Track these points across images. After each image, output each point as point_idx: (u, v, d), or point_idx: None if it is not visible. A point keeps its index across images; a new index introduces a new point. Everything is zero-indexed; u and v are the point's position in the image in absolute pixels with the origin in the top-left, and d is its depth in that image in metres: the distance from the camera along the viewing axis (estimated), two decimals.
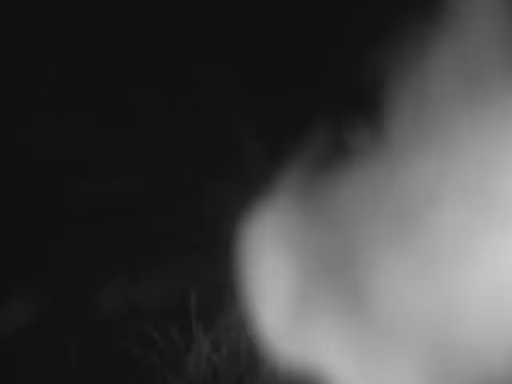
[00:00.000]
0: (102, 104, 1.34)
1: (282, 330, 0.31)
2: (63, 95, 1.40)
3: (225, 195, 1.03)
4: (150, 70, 1.32)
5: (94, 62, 1.43)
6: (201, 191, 1.08)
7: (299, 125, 0.33)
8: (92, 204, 1.19)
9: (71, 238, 1.20)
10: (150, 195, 1.16)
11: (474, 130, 0.26)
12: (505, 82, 0.26)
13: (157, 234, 1.23)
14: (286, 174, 0.30)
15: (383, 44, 0.29)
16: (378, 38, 0.30)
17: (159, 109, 1.15)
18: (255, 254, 0.32)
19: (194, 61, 1.11)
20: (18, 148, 1.31)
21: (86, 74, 1.41)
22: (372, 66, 0.29)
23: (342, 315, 0.27)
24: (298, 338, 0.31)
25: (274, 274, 0.31)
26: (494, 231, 0.25)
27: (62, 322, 1.08)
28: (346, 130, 0.28)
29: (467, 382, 0.26)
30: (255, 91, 1.02)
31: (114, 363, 1.04)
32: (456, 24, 0.27)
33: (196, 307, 1.04)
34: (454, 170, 0.26)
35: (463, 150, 0.26)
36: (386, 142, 0.27)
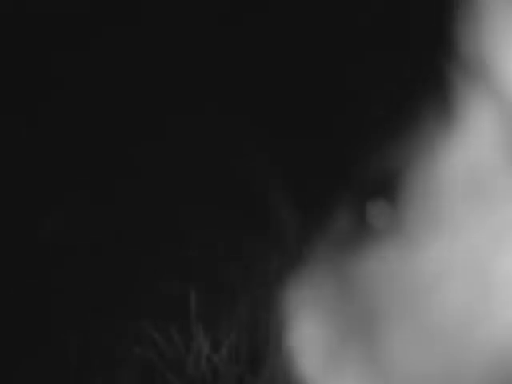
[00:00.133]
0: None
1: (316, 377, 0.36)
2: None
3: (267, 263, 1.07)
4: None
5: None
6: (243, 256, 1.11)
7: (328, 202, 0.37)
8: None
9: None
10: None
11: (478, 218, 0.30)
12: (504, 178, 0.30)
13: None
14: (319, 247, 0.36)
15: (401, 142, 0.34)
16: (398, 136, 0.34)
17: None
18: (294, 314, 0.37)
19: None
20: None
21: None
22: (391, 158, 0.34)
23: (365, 368, 0.33)
24: (330, 379, 0.36)
25: (310, 332, 0.36)
26: (496, 307, 0.30)
27: (62, 322, 1.08)
28: (368, 211, 0.33)
29: None
30: (291, 171, 1.05)
31: (114, 363, 1.04)
32: (462, 127, 0.32)
33: (196, 307, 1.04)
34: (460, 252, 0.30)
35: (468, 235, 0.30)
36: (402, 223, 0.32)
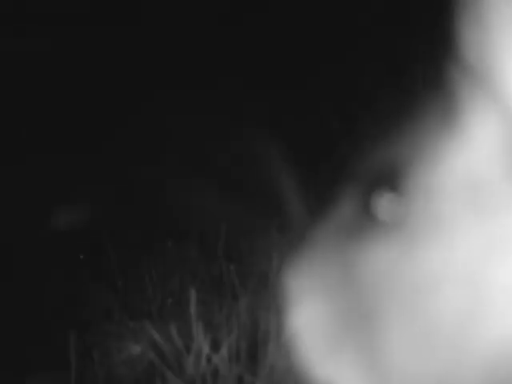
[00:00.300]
0: None
1: (316, 359, 0.37)
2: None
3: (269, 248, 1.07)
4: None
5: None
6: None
7: (332, 191, 0.38)
8: None
9: None
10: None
11: (479, 221, 0.30)
12: (505, 183, 0.30)
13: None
14: (321, 238, 0.36)
15: (406, 137, 0.35)
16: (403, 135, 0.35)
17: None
18: (294, 305, 0.37)
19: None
20: None
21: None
22: (395, 155, 0.34)
23: (363, 352, 0.33)
24: (328, 367, 0.36)
25: (310, 314, 0.36)
26: (496, 308, 0.30)
27: (61, 322, 1.08)
28: (372, 203, 0.33)
29: None
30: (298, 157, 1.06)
31: (114, 363, 1.04)
32: (464, 130, 0.32)
33: (196, 307, 1.04)
34: (461, 253, 0.31)
35: (466, 239, 0.30)
36: (405, 218, 0.32)
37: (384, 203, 0.34)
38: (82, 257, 1.21)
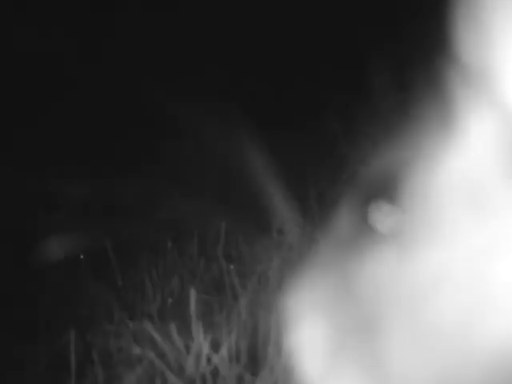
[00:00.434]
0: None
1: (317, 375, 0.37)
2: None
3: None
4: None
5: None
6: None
7: (330, 205, 0.38)
8: None
9: None
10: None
11: (478, 222, 0.30)
12: (504, 184, 0.31)
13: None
14: (320, 250, 0.36)
15: (403, 143, 0.35)
16: (400, 140, 0.35)
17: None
18: (295, 315, 0.38)
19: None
20: None
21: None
22: (393, 160, 0.34)
23: (363, 368, 0.33)
24: (329, 380, 0.37)
25: (310, 333, 0.37)
26: (494, 315, 0.30)
27: (61, 322, 1.08)
28: (370, 214, 0.34)
29: None
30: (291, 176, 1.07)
31: (114, 363, 1.04)
32: (462, 131, 0.32)
33: (196, 307, 1.04)
34: (460, 255, 0.31)
35: (466, 241, 0.30)
36: (403, 226, 0.32)
37: (382, 210, 0.34)
38: (82, 257, 1.21)
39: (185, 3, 1.60)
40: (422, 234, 0.32)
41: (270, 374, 0.98)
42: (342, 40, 1.52)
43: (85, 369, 1.02)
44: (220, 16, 1.61)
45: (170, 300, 1.16)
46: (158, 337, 1.03)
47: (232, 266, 1.15)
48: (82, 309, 1.14)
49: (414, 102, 0.35)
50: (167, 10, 1.60)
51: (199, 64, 1.51)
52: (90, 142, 1.39)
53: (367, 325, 0.33)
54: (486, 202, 0.31)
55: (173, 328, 1.02)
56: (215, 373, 0.99)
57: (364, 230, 0.34)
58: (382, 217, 0.33)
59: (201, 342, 1.00)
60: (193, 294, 1.04)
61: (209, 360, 1.00)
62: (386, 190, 0.33)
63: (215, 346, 1.01)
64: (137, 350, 1.03)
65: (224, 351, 1.00)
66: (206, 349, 1.00)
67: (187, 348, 1.01)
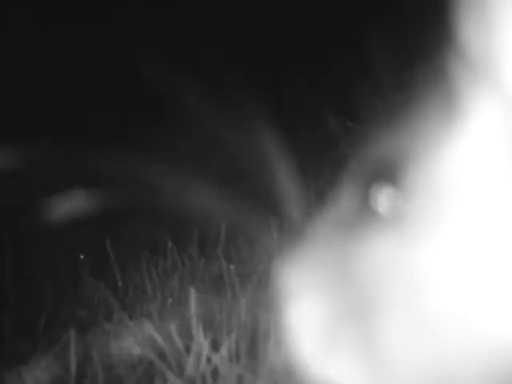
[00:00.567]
0: None
1: (314, 355, 0.37)
2: None
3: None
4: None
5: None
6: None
7: (330, 188, 0.38)
8: None
9: None
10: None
11: (479, 210, 0.31)
12: (505, 177, 0.31)
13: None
14: (318, 230, 0.36)
15: (406, 131, 0.35)
16: (402, 126, 0.35)
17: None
18: (292, 292, 0.37)
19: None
20: None
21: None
22: (395, 145, 0.34)
23: (362, 349, 0.35)
24: (326, 363, 0.36)
25: (309, 312, 0.36)
26: (494, 310, 0.30)
27: (61, 322, 1.08)
28: (371, 196, 0.34)
29: None
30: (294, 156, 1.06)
31: (114, 363, 1.04)
32: (465, 122, 0.32)
33: (196, 307, 1.04)
34: (460, 244, 0.31)
35: (468, 227, 0.31)
36: (404, 211, 0.32)
37: (383, 197, 0.34)
38: (82, 257, 1.21)
39: None
40: (423, 219, 0.32)
41: (269, 373, 0.98)
42: (345, 33, 1.52)
43: (85, 369, 1.02)
44: (221, 12, 1.61)
45: (169, 300, 1.16)
46: (157, 337, 1.03)
47: (232, 266, 1.15)
48: (81, 309, 1.13)
49: (417, 89, 0.35)
50: (169, 10, 1.60)
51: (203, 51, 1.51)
52: (90, 142, 1.39)
53: (366, 308, 0.33)
54: (489, 189, 0.31)
55: (173, 328, 1.02)
56: (215, 373, 0.99)
57: (365, 212, 0.34)
58: (384, 200, 0.33)
59: (201, 341, 1.00)
60: (193, 294, 1.04)
61: (209, 360, 1.00)
62: (388, 173, 0.33)
63: (215, 346, 1.01)
64: (137, 350, 1.03)
65: (224, 351, 1.00)
66: (205, 349, 1.00)
67: (187, 348, 1.01)
